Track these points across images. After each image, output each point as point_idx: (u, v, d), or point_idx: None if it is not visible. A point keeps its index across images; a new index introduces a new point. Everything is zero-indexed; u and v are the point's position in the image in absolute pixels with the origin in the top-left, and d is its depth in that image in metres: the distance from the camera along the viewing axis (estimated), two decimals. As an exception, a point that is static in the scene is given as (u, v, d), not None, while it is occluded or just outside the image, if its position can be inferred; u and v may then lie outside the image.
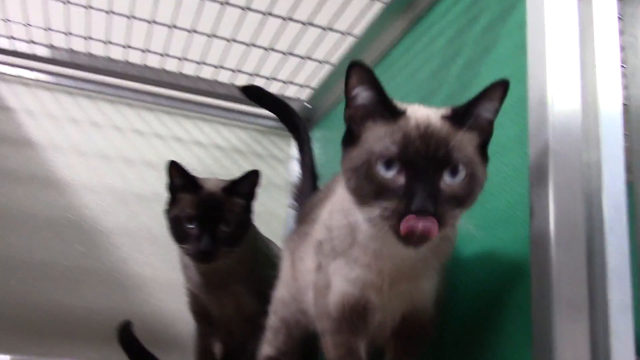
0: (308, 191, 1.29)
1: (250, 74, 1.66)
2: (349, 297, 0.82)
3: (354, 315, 0.83)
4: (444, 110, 0.74)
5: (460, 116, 0.72)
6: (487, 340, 0.87)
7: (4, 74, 1.65)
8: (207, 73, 1.70)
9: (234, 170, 1.80)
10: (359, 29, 1.44)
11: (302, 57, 1.59)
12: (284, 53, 1.58)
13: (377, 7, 1.36)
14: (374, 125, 0.74)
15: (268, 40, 1.54)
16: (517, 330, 0.75)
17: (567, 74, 0.74)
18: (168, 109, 1.78)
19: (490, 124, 0.75)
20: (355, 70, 0.73)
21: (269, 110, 1.49)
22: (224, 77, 1.71)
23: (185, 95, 1.78)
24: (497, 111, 0.74)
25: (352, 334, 0.84)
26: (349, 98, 0.75)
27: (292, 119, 1.44)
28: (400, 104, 0.75)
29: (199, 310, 1.34)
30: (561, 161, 0.70)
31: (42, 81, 1.68)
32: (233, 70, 1.67)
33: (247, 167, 1.81)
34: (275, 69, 1.64)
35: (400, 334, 0.85)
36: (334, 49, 1.54)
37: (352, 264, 0.81)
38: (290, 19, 1.44)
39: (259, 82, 1.67)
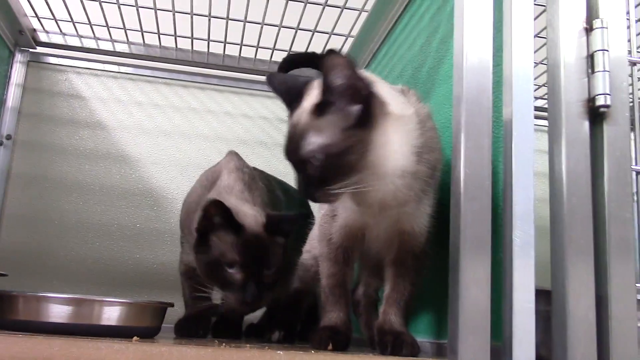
0: None
1: (286, 51, 1.86)
2: (352, 221, 0.98)
3: (353, 236, 0.99)
4: None
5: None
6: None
7: (77, 67, 1.93)
8: (248, 53, 1.92)
9: (279, 139, 2.01)
10: (369, 6, 1.60)
11: (327, 33, 1.76)
12: (310, 30, 1.75)
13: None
14: None
15: (295, 21, 1.71)
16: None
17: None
18: (217, 87, 2.01)
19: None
20: None
21: (310, 66, 1.64)
22: (261, 55, 1.92)
23: (231, 73, 2.00)
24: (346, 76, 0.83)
25: (345, 263, 1.01)
26: None
27: None
28: None
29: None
30: (472, 118, 0.85)
31: (108, 71, 1.95)
32: (270, 49, 1.87)
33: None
34: (304, 45, 1.82)
35: (396, 260, 0.98)
36: (353, 24, 1.71)
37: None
38: (309, 2, 1.62)
39: (294, 57, 1.88)
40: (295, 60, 1.58)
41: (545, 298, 0.88)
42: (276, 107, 2.03)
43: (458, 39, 0.90)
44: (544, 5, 0.95)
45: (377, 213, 0.94)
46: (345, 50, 1.82)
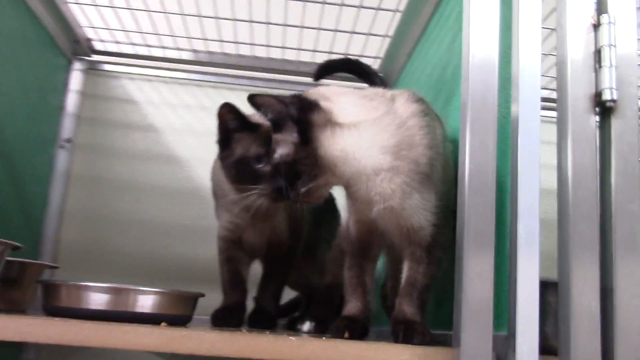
0: None
1: (327, 52, 1.91)
2: (361, 217, 1.06)
3: (366, 231, 1.06)
4: None
5: None
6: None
7: (131, 73, 2.04)
8: (290, 55, 1.98)
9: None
10: (402, 6, 1.63)
11: (365, 34, 1.80)
12: (350, 32, 1.80)
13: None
14: None
15: (333, 24, 1.77)
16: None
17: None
18: (262, 89, 2.07)
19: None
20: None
21: (345, 71, 1.70)
22: (305, 57, 1.98)
23: (275, 75, 2.07)
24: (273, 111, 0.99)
25: (362, 256, 1.08)
26: None
27: (362, 69, 1.64)
28: None
29: (233, 237, 1.35)
30: (478, 115, 0.88)
31: (159, 76, 2.06)
32: (311, 51, 1.93)
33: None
34: (345, 47, 1.87)
35: (407, 253, 1.02)
36: (390, 25, 1.75)
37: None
38: (344, 5, 1.66)
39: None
40: (330, 67, 1.63)
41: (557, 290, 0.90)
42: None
43: (465, 37, 0.93)
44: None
45: (371, 208, 1.00)
46: (383, 50, 1.86)
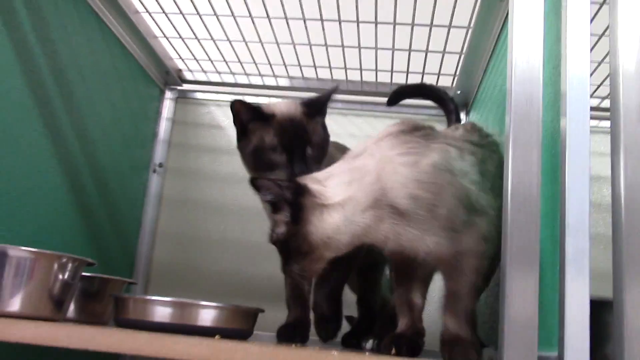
0: None
1: (404, 72, 1.92)
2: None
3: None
4: None
5: None
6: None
7: (218, 100, 2.15)
8: (368, 76, 2.01)
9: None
10: (472, 23, 1.61)
11: (440, 52, 1.80)
12: (423, 51, 1.80)
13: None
14: None
15: (406, 44, 1.78)
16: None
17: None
18: (340, 110, 2.12)
19: None
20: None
21: (419, 97, 1.73)
22: (382, 78, 2.00)
23: (350, 97, 2.11)
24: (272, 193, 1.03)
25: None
26: None
27: (435, 94, 1.64)
28: None
29: None
30: (521, 128, 0.86)
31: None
32: (389, 71, 1.94)
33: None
34: (418, 66, 1.88)
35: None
36: (464, 41, 1.73)
37: None
38: (415, 24, 1.67)
39: (412, 78, 1.94)
40: (403, 92, 1.65)
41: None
42: (399, 127, 2.09)
43: (509, 50, 0.91)
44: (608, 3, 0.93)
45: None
46: (459, 67, 1.84)
